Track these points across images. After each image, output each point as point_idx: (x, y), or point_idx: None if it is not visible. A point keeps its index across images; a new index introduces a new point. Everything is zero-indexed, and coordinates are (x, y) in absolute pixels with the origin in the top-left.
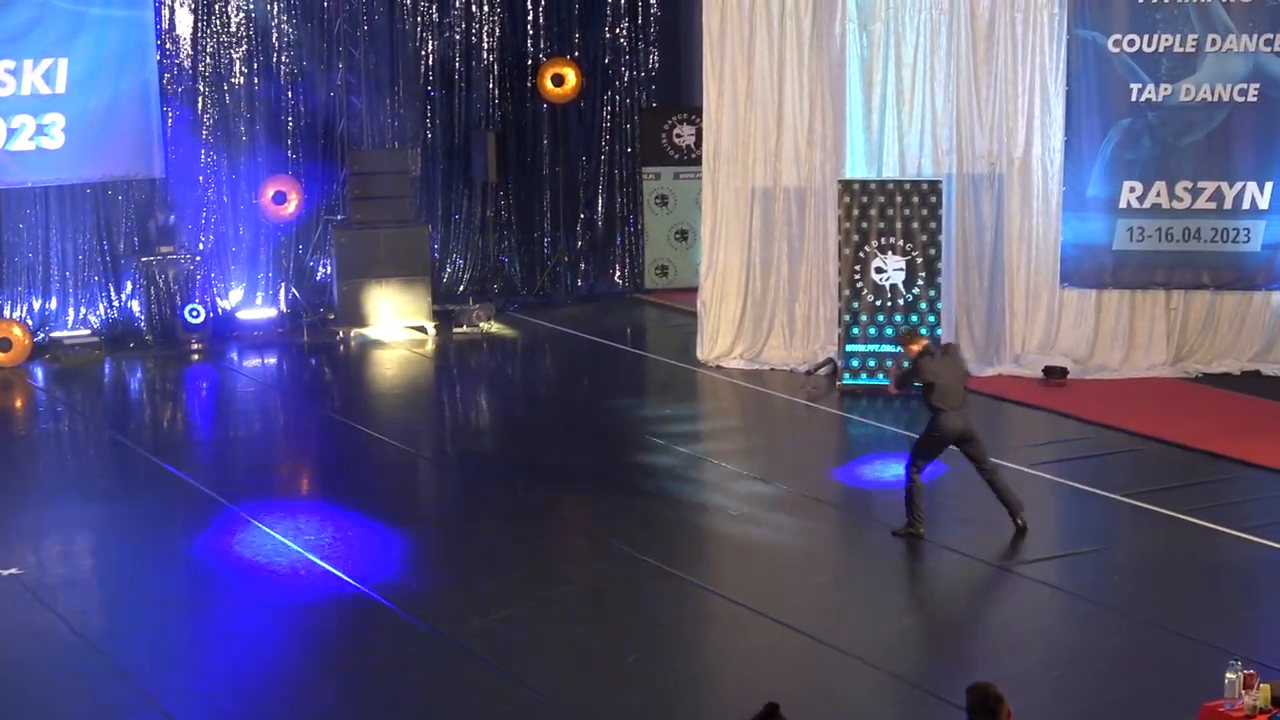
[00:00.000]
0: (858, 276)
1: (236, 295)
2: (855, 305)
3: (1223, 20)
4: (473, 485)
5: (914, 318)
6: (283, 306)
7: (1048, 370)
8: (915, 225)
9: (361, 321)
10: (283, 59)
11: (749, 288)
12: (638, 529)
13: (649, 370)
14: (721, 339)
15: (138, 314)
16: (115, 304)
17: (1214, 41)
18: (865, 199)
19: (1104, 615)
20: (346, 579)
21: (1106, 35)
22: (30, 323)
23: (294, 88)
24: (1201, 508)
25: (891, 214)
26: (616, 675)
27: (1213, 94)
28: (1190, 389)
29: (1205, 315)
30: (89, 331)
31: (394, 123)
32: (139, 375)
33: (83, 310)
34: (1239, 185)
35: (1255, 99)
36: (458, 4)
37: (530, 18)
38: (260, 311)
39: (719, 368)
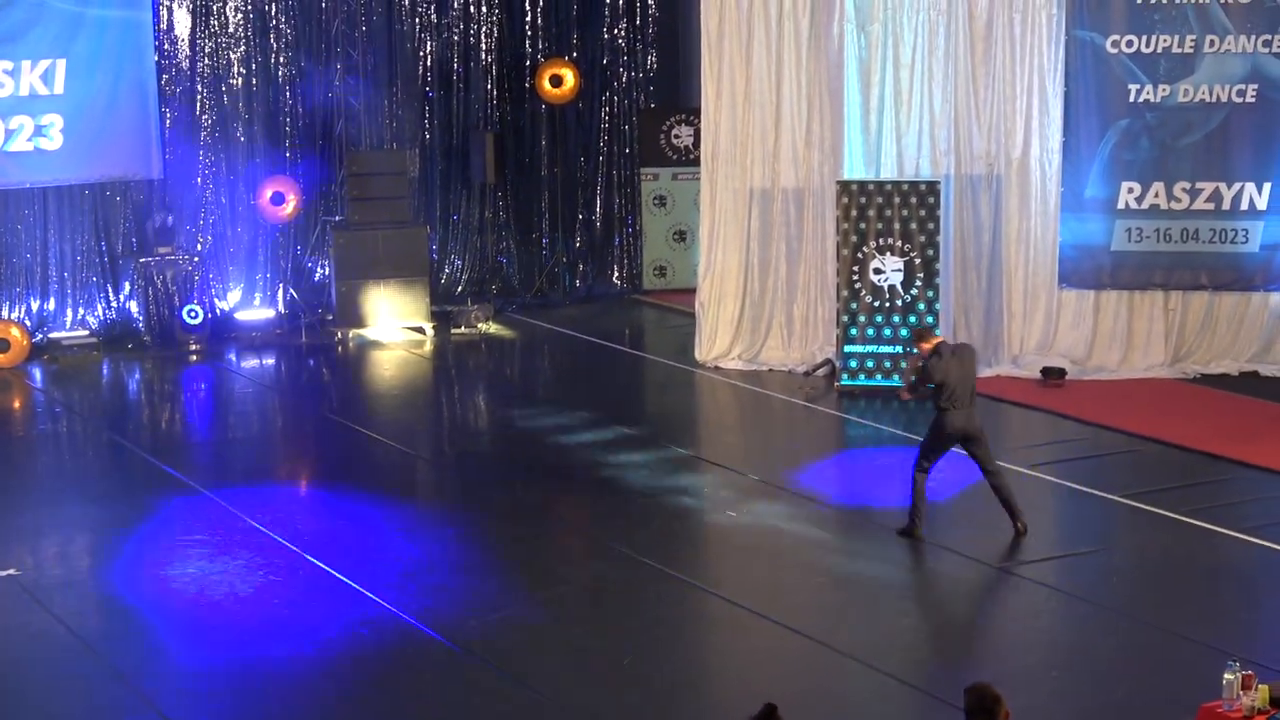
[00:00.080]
0: (856, 277)
1: (235, 296)
2: (853, 306)
3: (1221, 21)
4: (471, 486)
5: (912, 318)
6: (281, 307)
7: (1046, 371)
8: (913, 226)
9: (360, 322)
10: (281, 60)
11: (747, 288)
12: (636, 530)
13: (647, 371)
14: (720, 340)
15: (136, 315)
16: (113, 305)
17: (1212, 42)
18: (863, 200)
19: (1102, 616)
20: (344, 579)
21: (1105, 36)
22: (29, 323)
23: (292, 88)
24: (1200, 508)
25: (890, 215)
26: (615, 676)
27: (1211, 95)
28: (1188, 390)
29: (1203, 316)
30: (87, 332)
31: (392, 123)
32: (137, 376)
33: (81, 311)
34: (1237, 186)
35: (1253, 100)
36: (456, 5)
37: (528, 19)
38: (258, 312)
39: (717, 368)
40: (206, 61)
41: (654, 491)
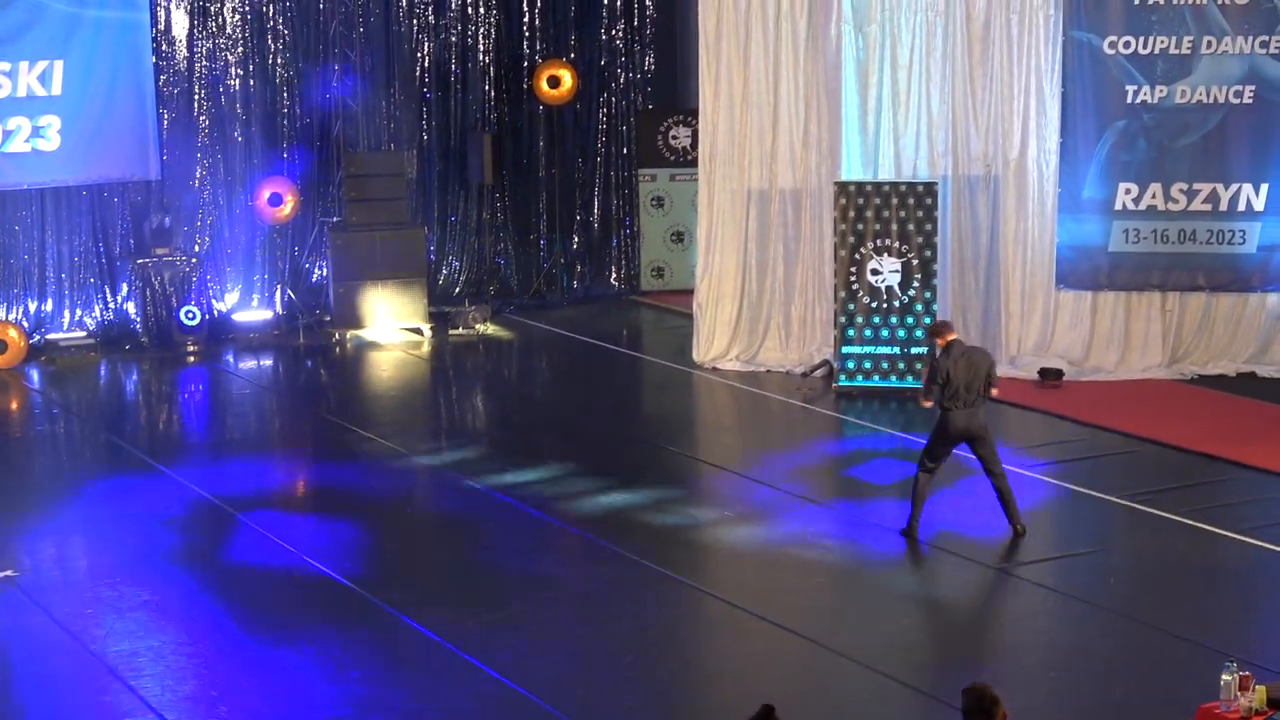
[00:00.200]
0: (854, 278)
1: (232, 297)
2: (851, 307)
3: (1218, 22)
4: (468, 486)
5: (910, 319)
6: (279, 308)
7: (1043, 372)
8: (911, 227)
9: (357, 323)
10: (279, 61)
11: (745, 289)
12: (633, 531)
13: (645, 372)
14: (718, 341)
15: (133, 316)
16: (111, 306)
17: (1209, 43)
18: (861, 201)
19: (1100, 617)
20: (342, 580)
21: (1102, 37)
22: (26, 325)
23: (290, 90)
24: (1197, 509)
25: (887, 216)
26: (613, 677)
27: (1208, 96)
28: (1186, 391)
29: (1201, 317)
30: (85, 333)
31: (390, 125)
32: (135, 377)
33: (78, 312)
34: (1234, 187)
35: (1250, 101)
36: (453, 6)
37: (526, 20)
38: (256, 313)
39: (715, 369)
40: (204, 63)
41: (649, 493)
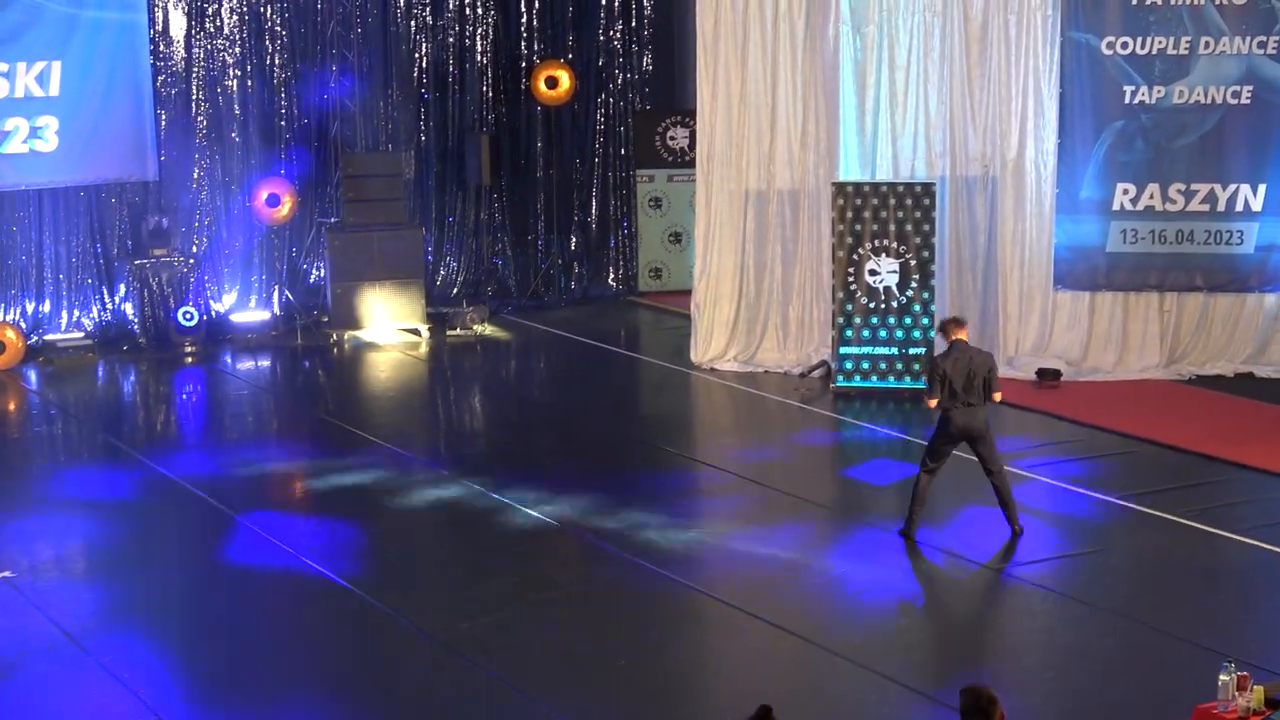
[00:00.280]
0: (851, 279)
1: (230, 298)
2: (849, 308)
3: (1216, 23)
4: (466, 487)
5: (908, 320)
6: (276, 309)
7: (1041, 372)
8: (909, 228)
9: (355, 324)
10: (276, 62)
11: (743, 290)
12: (629, 531)
13: (643, 373)
14: (715, 341)
15: (131, 317)
16: (109, 307)
17: (1207, 44)
18: (859, 201)
19: (1097, 617)
20: (339, 581)
21: (1100, 37)
22: (24, 325)
23: (287, 90)
24: (1195, 510)
25: (885, 216)
26: (609, 678)
27: (1206, 96)
28: (1183, 391)
29: (1198, 317)
30: (82, 334)
31: (388, 125)
32: (132, 378)
33: (76, 313)
34: (1232, 187)
35: (1248, 101)
36: (451, 6)
37: (524, 20)
38: (254, 314)
39: (713, 370)
40: (202, 63)
41: (646, 494)
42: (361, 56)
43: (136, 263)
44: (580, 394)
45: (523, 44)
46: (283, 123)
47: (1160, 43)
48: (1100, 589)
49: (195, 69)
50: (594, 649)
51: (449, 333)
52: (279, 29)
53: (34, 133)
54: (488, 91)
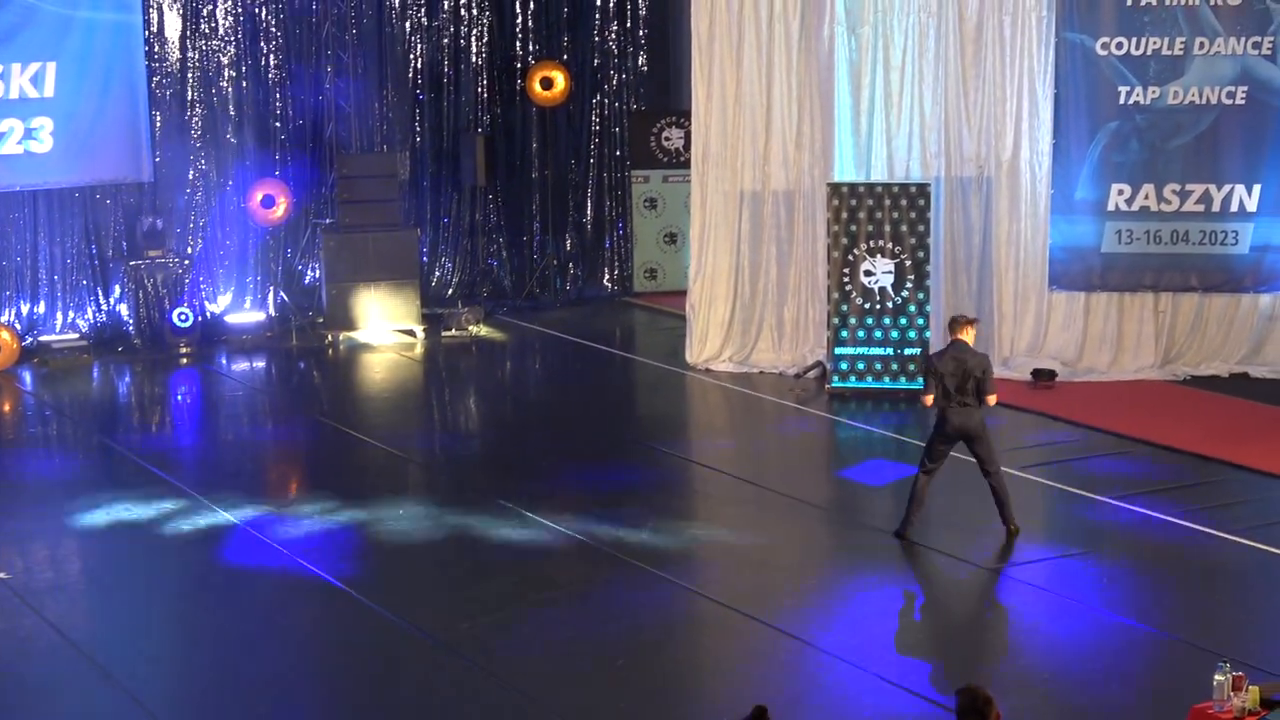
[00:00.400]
0: (846, 279)
1: (225, 299)
2: (844, 308)
3: (1210, 23)
4: (462, 489)
5: (903, 321)
6: (271, 310)
7: (1036, 373)
8: (904, 228)
9: (350, 325)
10: (271, 62)
11: (738, 291)
12: (626, 532)
13: (638, 373)
14: (710, 342)
15: (126, 318)
16: (103, 308)
17: (1201, 44)
18: (854, 202)
19: (1093, 617)
20: (336, 582)
21: (1094, 38)
22: (18, 327)
23: (282, 91)
24: (1190, 510)
25: (880, 217)
26: (605, 678)
27: (1200, 97)
28: (1178, 391)
29: (1193, 318)
30: (77, 335)
31: (382, 126)
32: (127, 379)
33: (71, 314)
34: (1227, 188)
35: (1243, 102)
36: (446, 7)
37: (519, 21)
38: (249, 315)
39: (708, 370)
40: (197, 64)
41: (642, 494)
42: (356, 57)
43: (131, 264)
44: (575, 395)
45: (518, 45)
46: (278, 124)
47: (1155, 43)
48: (1095, 589)
49: (190, 70)
50: (591, 649)
51: (444, 334)
52: (274, 30)
53: (29, 134)
54: (483, 92)
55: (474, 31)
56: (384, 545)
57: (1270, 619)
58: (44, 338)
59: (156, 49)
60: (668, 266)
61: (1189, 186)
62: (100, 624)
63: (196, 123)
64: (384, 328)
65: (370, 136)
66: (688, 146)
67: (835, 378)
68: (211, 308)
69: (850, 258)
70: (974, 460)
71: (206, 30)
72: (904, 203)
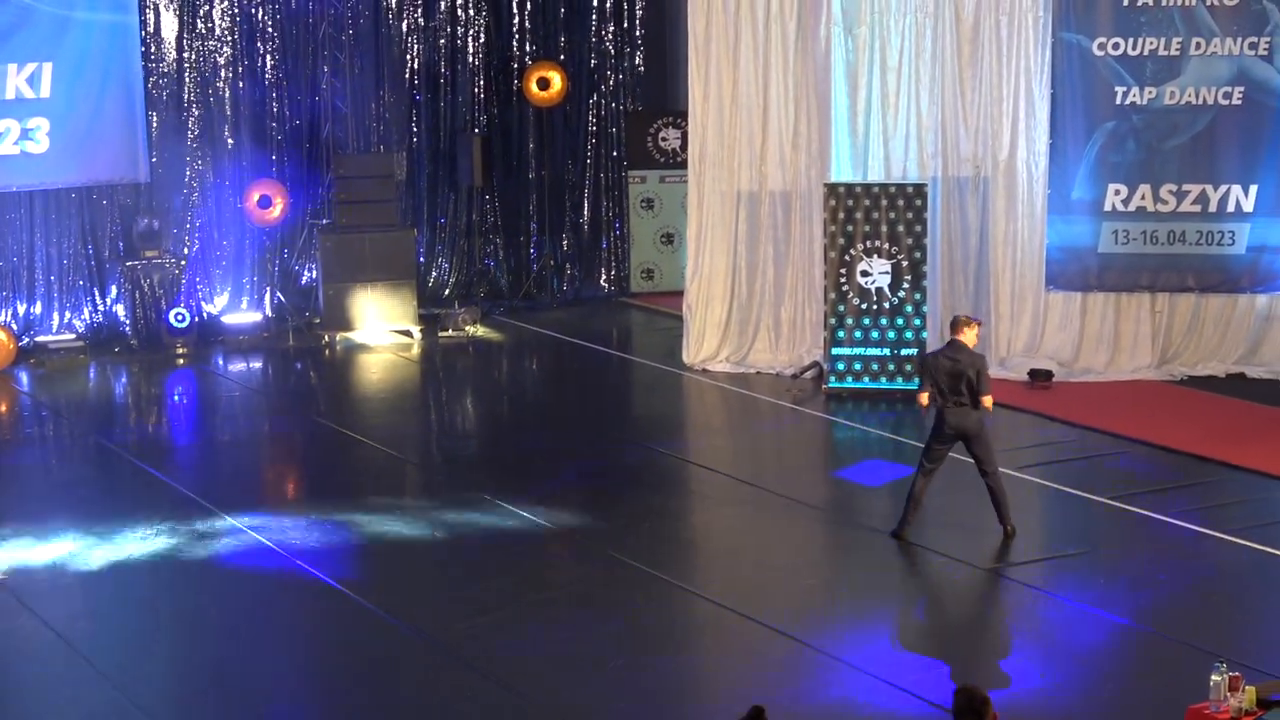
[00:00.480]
0: (843, 280)
1: (221, 299)
2: (841, 309)
3: (1207, 23)
4: (459, 489)
5: (899, 321)
6: (268, 311)
7: (1033, 373)
8: (901, 229)
9: (347, 325)
10: (268, 63)
11: (735, 291)
12: (624, 532)
13: (635, 374)
14: (707, 342)
15: (122, 318)
16: (100, 308)
17: (1198, 45)
18: (851, 202)
19: (1090, 618)
20: (333, 583)
21: (1091, 38)
22: (15, 327)
23: (279, 92)
24: (1187, 510)
25: (877, 217)
26: (603, 679)
27: (1197, 97)
28: (1175, 392)
29: (1190, 318)
30: (74, 336)
31: (379, 127)
32: (124, 380)
33: (67, 314)
34: (1223, 188)
35: (1239, 102)
36: (443, 8)
37: (515, 21)
38: (245, 316)
39: (705, 371)
40: (193, 65)
41: (638, 494)
42: (353, 58)
43: (128, 264)
44: (572, 395)
45: (514, 45)
46: (274, 124)
47: (1151, 43)
48: (1092, 590)
49: (187, 70)
50: (589, 649)
51: (441, 334)
52: (270, 30)
53: (25, 134)
54: (479, 93)
55: (470, 32)
56: (382, 546)
57: (1267, 619)
58: (40, 338)
59: (153, 49)
60: (665, 267)
61: (1186, 187)
62: (98, 624)
63: (193, 123)
64: (381, 328)
65: (367, 137)
66: (685, 147)
67: (832, 378)
68: (208, 308)
69: (847, 258)
70: (972, 460)
71: (203, 31)
72: (901, 203)
